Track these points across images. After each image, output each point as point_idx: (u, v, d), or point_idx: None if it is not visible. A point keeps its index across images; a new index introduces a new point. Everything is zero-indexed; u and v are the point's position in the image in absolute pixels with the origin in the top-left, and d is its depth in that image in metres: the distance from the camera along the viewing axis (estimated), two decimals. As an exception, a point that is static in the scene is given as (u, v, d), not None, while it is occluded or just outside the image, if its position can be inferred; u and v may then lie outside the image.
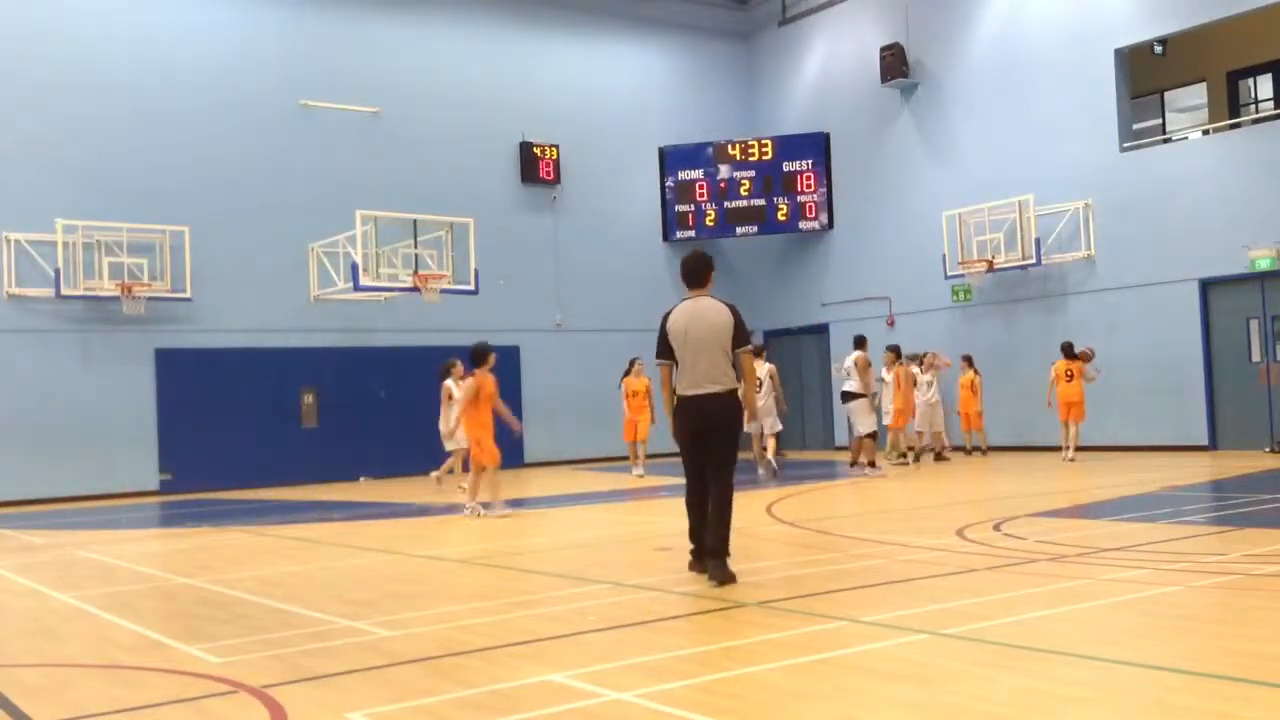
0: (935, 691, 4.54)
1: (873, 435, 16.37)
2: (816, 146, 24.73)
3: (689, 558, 7.91)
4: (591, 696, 4.66)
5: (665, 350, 7.69)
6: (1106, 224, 19.72)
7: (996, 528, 9.60)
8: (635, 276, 24.61)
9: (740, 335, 7.60)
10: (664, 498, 14.85)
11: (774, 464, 16.54)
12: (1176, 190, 18.85)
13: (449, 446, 16.00)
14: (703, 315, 7.56)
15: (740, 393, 7.69)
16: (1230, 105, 22.41)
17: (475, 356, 12.64)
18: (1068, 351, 17.83)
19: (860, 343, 16.94)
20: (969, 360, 20.21)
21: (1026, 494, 12.66)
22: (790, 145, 24.85)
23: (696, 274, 7.75)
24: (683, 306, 7.72)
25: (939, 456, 19.50)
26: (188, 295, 19.58)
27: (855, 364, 16.43)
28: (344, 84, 21.65)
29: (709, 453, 7.58)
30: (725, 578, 7.32)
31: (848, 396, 16.55)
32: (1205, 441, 18.48)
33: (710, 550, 7.48)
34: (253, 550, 10.99)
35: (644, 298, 24.74)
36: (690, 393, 7.54)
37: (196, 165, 20.11)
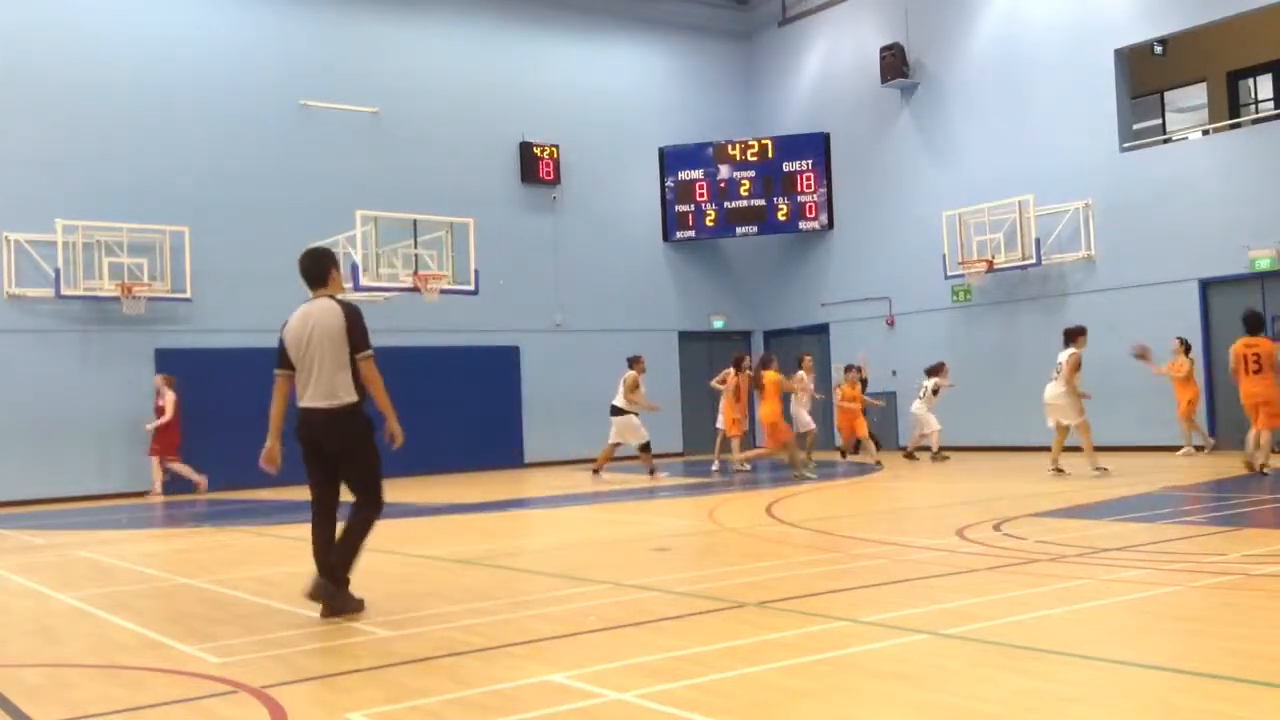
0: (935, 691, 4.54)
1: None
2: (816, 146, 24.73)
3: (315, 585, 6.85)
4: (591, 696, 4.66)
5: (283, 360, 6.94)
6: (1106, 224, 19.71)
7: (996, 528, 9.59)
8: (635, 276, 24.63)
9: (357, 339, 6.81)
10: (663, 498, 14.88)
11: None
12: (1176, 190, 18.84)
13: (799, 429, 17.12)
14: (316, 319, 6.82)
15: (378, 405, 6.99)
16: (1230, 105, 22.42)
17: (1254, 324, 11.23)
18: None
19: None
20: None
21: (1026, 494, 12.65)
22: (790, 145, 24.85)
23: (313, 273, 7.03)
24: (299, 311, 6.96)
25: (937, 456, 19.25)
26: (188, 295, 19.57)
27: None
28: (344, 84, 21.63)
29: (341, 473, 6.99)
30: (332, 604, 6.66)
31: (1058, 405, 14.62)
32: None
33: (328, 567, 6.79)
34: (253, 550, 10.99)
35: (644, 298, 24.83)
36: (303, 405, 6.95)
37: (196, 165, 20.09)
